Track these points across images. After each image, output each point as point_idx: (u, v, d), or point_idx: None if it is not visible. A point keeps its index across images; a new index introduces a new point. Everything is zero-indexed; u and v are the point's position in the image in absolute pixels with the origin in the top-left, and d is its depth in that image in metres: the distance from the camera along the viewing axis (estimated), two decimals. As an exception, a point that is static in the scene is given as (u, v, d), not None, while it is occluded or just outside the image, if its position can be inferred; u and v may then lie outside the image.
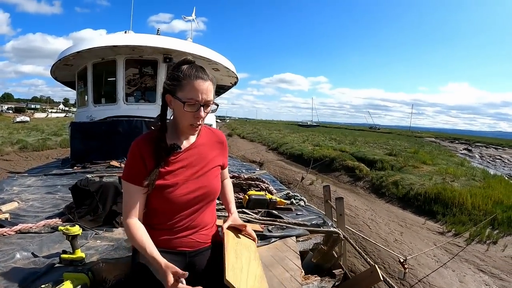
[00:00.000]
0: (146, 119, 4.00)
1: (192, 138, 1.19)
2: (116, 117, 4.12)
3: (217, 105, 1.16)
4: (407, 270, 3.76)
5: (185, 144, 1.17)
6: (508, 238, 5.86)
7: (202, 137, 1.22)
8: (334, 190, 8.49)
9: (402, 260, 3.63)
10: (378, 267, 2.14)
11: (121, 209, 1.49)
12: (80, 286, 1.16)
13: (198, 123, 1.08)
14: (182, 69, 1.05)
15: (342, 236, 2.35)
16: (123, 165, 2.86)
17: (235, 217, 1.31)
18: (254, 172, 4.57)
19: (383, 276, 2.00)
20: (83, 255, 1.38)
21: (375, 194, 9.60)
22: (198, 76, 1.03)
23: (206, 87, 1.04)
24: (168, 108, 1.14)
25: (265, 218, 2.37)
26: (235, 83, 6.25)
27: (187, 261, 1.13)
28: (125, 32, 4.64)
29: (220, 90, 6.90)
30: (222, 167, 1.31)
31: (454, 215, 7.13)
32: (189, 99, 1.03)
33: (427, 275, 4.47)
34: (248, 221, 2.24)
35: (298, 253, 1.94)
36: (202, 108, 1.05)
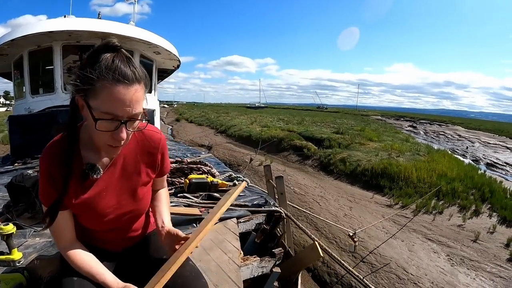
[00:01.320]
0: None
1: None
2: (56, 107, 5.43)
3: (148, 121, 1.28)
4: (357, 243, 5.71)
5: (105, 161, 1.34)
6: (453, 208, 9.02)
7: (129, 145, 1.35)
8: (283, 170, 12.63)
9: (351, 234, 5.52)
10: (329, 242, 3.52)
11: None
12: (15, 285, 1.72)
13: (119, 144, 1.20)
14: (98, 63, 1.07)
15: (284, 214, 3.50)
16: None
17: (168, 230, 1.46)
18: (199, 156, 6.41)
19: (324, 251, 3.11)
20: (20, 254, 1.91)
21: (324, 171, 13.49)
22: (120, 78, 1.07)
23: (131, 96, 1.10)
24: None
25: (205, 201, 3.45)
26: (178, 66, 8.77)
27: (120, 256, 1.57)
28: (64, 17, 6.16)
29: (164, 74, 9.35)
30: (156, 176, 1.56)
31: (400, 188, 10.47)
32: (104, 113, 1.09)
33: (378, 247, 6.70)
34: (188, 205, 3.29)
35: (238, 234, 2.88)
36: (123, 126, 1.14)
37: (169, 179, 3.98)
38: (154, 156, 1.48)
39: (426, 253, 6.59)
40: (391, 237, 7.14)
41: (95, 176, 1.28)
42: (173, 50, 7.27)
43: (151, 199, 1.60)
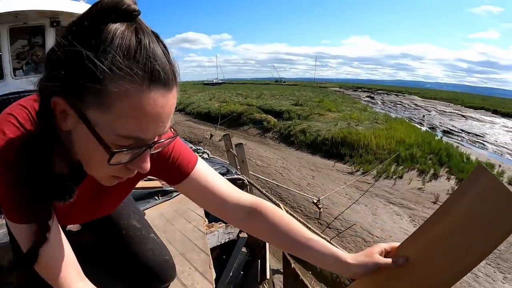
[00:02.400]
0: None
1: None
2: (5, 95, 5.40)
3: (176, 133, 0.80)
4: (321, 210, 5.95)
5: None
6: (412, 172, 9.57)
7: None
8: (244, 144, 12.41)
9: (315, 201, 5.72)
10: (295, 210, 3.67)
11: None
12: None
13: (131, 175, 0.78)
14: (107, 42, 0.59)
15: (246, 181, 3.59)
16: None
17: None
18: None
19: (287, 212, 3.64)
20: None
21: (285, 143, 13.92)
22: (156, 76, 0.61)
23: (170, 107, 0.66)
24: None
25: None
26: None
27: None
28: None
29: None
30: (179, 177, 0.98)
31: (360, 155, 10.98)
32: (124, 138, 0.64)
33: (342, 212, 6.98)
34: (148, 179, 3.09)
35: None
36: (148, 150, 0.72)
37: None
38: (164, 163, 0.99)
39: (389, 216, 6.95)
40: (354, 203, 7.43)
41: (63, 201, 0.78)
42: None
43: (278, 233, 0.98)
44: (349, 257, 0.93)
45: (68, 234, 1.11)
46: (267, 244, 3.18)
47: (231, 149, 5.55)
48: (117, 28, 0.59)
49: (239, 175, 3.64)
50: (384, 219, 6.75)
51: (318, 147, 12.42)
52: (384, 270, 0.90)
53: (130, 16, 0.60)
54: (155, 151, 0.75)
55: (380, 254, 0.92)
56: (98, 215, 1.18)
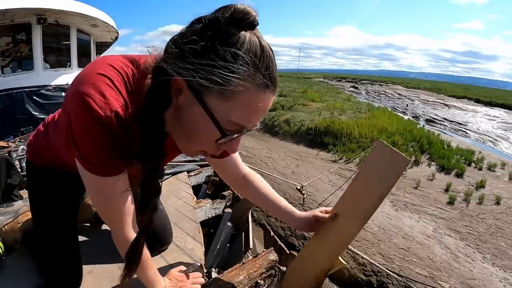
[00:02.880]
0: (27, 89, 5.99)
1: None
2: None
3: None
4: (305, 196, 6.15)
5: None
6: (392, 159, 10.30)
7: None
8: None
9: (299, 187, 5.93)
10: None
11: (17, 180, 2.24)
12: None
13: (216, 154, 0.96)
14: (239, 49, 0.75)
15: None
16: (11, 144, 4.32)
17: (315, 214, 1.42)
18: None
19: None
20: None
21: (269, 133, 14.23)
22: (268, 83, 0.79)
23: (270, 105, 0.86)
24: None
25: None
26: (116, 38, 8.89)
27: None
28: None
29: (102, 47, 9.41)
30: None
31: (344, 144, 11.35)
32: (234, 124, 0.82)
33: (326, 199, 7.18)
34: None
35: (190, 184, 3.34)
36: (241, 136, 0.90)
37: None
38: None
39: (371, 201, 7.18)
40: (337, 189, 7.63)
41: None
42: (111, 21, 7.51)
43: (256, 196, 1.51)
44: (300, 213, 1.43)
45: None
46: (250, 219, 3.47)
47: None
48: (246, 35, 0.75)
49: None
50: (366, 204, 6.98)
51: (302, 137, 12.77)
52: (324, 224, 1.37)
53: (254, 26, 0.77)
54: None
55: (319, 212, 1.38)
56: None
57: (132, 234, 1.08)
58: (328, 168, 9.06)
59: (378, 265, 3.54)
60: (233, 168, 1.45)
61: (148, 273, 1.23)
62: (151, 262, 1.24)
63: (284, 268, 2.45)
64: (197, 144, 0.92)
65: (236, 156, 1.41)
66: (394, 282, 4.59)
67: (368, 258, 3.40)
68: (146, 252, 1.16)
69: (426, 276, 4.67)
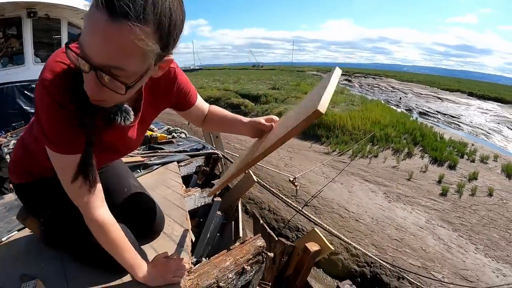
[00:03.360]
0: (18, 84, 5.99)
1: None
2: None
3: (141, 76, 0.90)
4: (298, 187, 6.17)
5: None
6: (387, 151, 9.96)
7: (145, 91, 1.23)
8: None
9: (292, 179, 5.95)
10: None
11: (7, 173, 2.18)
12: None
13: (94, 98, 0.92)
14: None
15: (221, 155, 4.12)
16: (2, 139, 4.14)
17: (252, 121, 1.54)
18: None
19: (264, 187, 3.90)
20: None
21: None
22: (102, 2, 0.74)
23: (110, 36, 0.76)
24: None
25: (145, 152, 3.80)
26: None
27: None
28: None
29: None
30: (185, 106, 1.50)
31: (337, 136, 11.43)
32: (79, 48, 0.83)
33: (320, 191, 7.20)
34: (131, 156, 3.52)
35: (180, 173, 3.35)
36: (94, 74, 0.84)
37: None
38: (170, 91, 1.36)
39: (364, 193, 7.23)
40: (331, 181, 7.69)
41: (123, 122, 1.08)
42: None
43: (214, 123, 1.69)
44: (246, 119, 1.55)
45: None
46: (240, 208, 3.53)
47: None
48: None
49: (214, 149, 4.14)
50: (360, 196, 7.02)
51: None
52: (263, 133, 1.46)
53: None
54: (106, 84, 0.85)
55: (267, 121, 1.44)
56: (125, 152, 1.46)
57: (99, 213, 1.15)
58: (321, 160, 9.08)
59: (372, 255, 3.56)
60: (198, 111, 1.58)
61: (126, 256, 1.26)
62: (129, 246, 1.26)
63: (271, 254, 2.49)
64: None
65: (198, 101, 1.55)
66: (387, 273, 4.62)
67: (362, 249, 3.42)
68: (121, 235, 1.23)
69: (419, 267, 4.71)
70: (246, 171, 3.73)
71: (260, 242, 2.05)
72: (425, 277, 4.42)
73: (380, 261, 3.78)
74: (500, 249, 5.38)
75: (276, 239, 2.77)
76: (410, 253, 5.04)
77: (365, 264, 4.87)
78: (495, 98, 32.19)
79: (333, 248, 2.45)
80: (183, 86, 1.42)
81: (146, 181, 2.80)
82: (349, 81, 45.11)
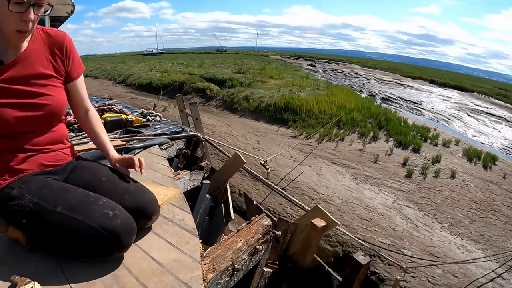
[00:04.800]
0: None
1: (22, 44, 1.48)
2: None
3: (52, 6, 1.46)
4: (269, 170, 6.25)
5: (10, 54, 1.44)
6: (353, 135, 10.26)
7: (36, 41, 1.53)
8: (188, 113, 12.77)
9: (262, 162, 6.00)
10: (243, 174, 3.95)
11: None
12: None
13: (27, 28, 1.37)
14: None
15: (201, 137, 4.22)
16: None
17: (121, 158, 1.79)
18: (105, 103, 6.35)
19: (243, 169, 3.94)
20: None
21: (228, 110, 14.49)
22: None
23: None
24: None
25: (124, 136, 3.79)
26: (72, 12, 8.22)
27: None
28: None
29: (56, 22, 8.72)
30: (69, 78, 1.68)
31: (303, 120, 11.62)
32: None
33: (288, 173, 7.28)
34: (111, 140, 3.55)
35: (164, 156, 3.36)
36: (32, 8, 1.32)
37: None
38: (61, 54, 1.61)
39: (332, 175, 7.41)
40: (299, 164, 7.83)
41: None
42: None
43: (87, 126, 1.82)
44: (114, 157, 1.77)
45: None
46: (228, 190, 3.59)
47: (183, 110, 5.91)
48: None
49: (194, 132, 4.28)
50: (328, 178, 7.19)
51: (262, 113, 13.02)
52: None
53: None
54: (38, 14, 1.37)
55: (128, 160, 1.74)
56: (40, 109, 1.49)
57: None
58: (288, 143, 9.22)
59: (344, 231, 3.68)
60: (80, 100, 1.77)
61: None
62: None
63: (279, 233, 2.53)
64: (6, 24, 1.33)
65: (84, 93, 1.79)
66: (359, 251, 4.79)
67: (336, 224, 3.52)
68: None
69: (389, 245, 4.90)
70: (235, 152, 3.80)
71: (267, 221, 2.11)
72: (397, 252, 4.63)
73: (354, 237, 3.94)
74: (464, 227, 5.69)
75: (276, 219, 2.80)
76: (380, 232, 5.24)
77: (337, 244, 5.03)
78: (456, 86, 33.60)
79: (338, 223, 2.48)
80: (74, 52, 1.68)
81: None
82: (313, 66, 45.58)
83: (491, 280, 4.40)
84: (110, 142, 1.83)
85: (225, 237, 1.98)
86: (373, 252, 4.64)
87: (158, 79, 22.29)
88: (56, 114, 1.58)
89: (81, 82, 1.75)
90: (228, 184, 3.72)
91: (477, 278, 4.40)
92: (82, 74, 1.77)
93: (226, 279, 1.65)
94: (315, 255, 2.69)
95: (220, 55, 70.26)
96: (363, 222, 5.52)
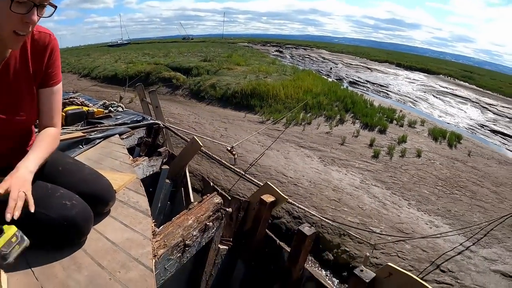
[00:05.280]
0: None
1: (5, 50, 1.34)
2: None
3: (55, 7, 1.29)
4: (236, 156, 6.21)
5: None
6: (320, 118, 10.36)
7: (21, 47, 1.37)
8: (148, 102, 12.98)
9: (229, 148, 5.96)
10: (211, 162, 3.93)
11: None
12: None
13: (27, 31, 1.23)
14: None
15: (162, 125, 4.29)
16: None
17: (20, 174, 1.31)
18: (68, 97, 6.32)
19: (205, 154, 4.08)
20: None
21: (195, 99, 14.42)
22: None
23: None
24: None
25: (85, 127, 3.76)
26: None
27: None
28: None
29: None
30: (43, 84, 1.52)
31: (270, 105, 11.68)
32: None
33: (257, 159, 7.26)
34: (70, 132, 3.53)
35: (124, 145, 3.41)
36: (35, 9, 1.18)
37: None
38: (42, 55, 1.47)
39: (300, 158, 7.45)
40: (267, 149, 7.83)
41: None
42: None
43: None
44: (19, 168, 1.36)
45: None
46: (187, 174, 3.73)
47: (144, 98, 5.92)
48: None
49: (155, 120, 4.36)
50: (296, 161, 7.22)
51: (229, 100, 13.01)
52: None
53: None
54: (40, 16, 1.23)
55: None
56: (11, 114, 1.41)
57: None
58: (256, 129, 9.21)
59: (313, 212, 3.68)
60: (46, 116, 1.57)
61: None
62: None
63: (230, 209, 2.61)
64: (3, 26, 1.17)
65: (53, 107, 1.58)
66: (329, 231, 4.82)
67: (304, 208, 3.53)
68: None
69: (358, 223, 4.96)
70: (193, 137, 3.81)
71: (217, 199, 2.21)
72: (366, 230, 4.69)
73: (322, 217, 3.94)
74: (431, 203, 5.82)
75: (230, 198, 2.83)
76: (349, 212, 5.30)
77: (308, 225, 5.05)
78: (422, 69, 34.57)
79: (287, 198, 2.55)
80: (56, 58, 1.54)
81: (91, 156, 2.89)
82: (281, 52, 45.76)
83: (459, 253, 4.53)
84: (37, 156, 1.45)
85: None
86: (343, 232, 4.68)
87: (123, 70, 21.88)
88: (26, 129, 1.60)
89: (52, 94, 1.56)
90: (187, 169, 3.74)
91: (446, 252, 4.51)
92: (58, 86, 1.59)
93: (178, 255, 1.74)
94: (266, 230, 2.72)
95: (186, 43, 69.97)
96: (332, 202, 5.56)
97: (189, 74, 18.15)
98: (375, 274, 1.76)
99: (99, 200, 1.67)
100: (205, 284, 2.51)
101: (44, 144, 1.48)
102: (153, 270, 1.41)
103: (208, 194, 2.23)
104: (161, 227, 1.78)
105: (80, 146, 3.17)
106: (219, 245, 2.49)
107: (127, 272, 1.37)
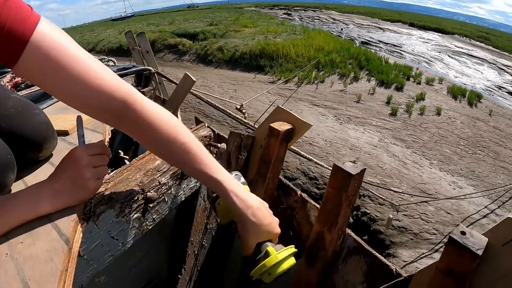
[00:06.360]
0: None
1: None
2: None
3: None
4: (246, 114, 5.88)
5: None
6: (333, 76, 9.95)
7: None
8: (161, 70, 12.65)
9: (238, 106, 5.61)
10: (221, 124, 3.53)
11: None
12: None
13: None
14: None
15: (153, 71, 3.82)
16: None
17: None
18: None
19: (210, 105, 3.64)
20: None
21: (203, 63, 14.17)
22: None
23: None
24: None
25: None
26: None
27: None
28: None
29: None
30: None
31: (280, 65, 11.28)
32: None
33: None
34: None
35: None
36: None
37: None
38: None
39: (314, 117, 7.09)
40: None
41: None
42: None
43: None
44: None
45: None
46: (179, 116, 3.46)
47: (135, 47, 5.40)
48: None
49: (145, 66, 3.87)
50: (310, 120, 6.81)
51: (237, 62, 12.70)
52: None
53: None
54: None
55: None
56: None
57: None
58: (266, 89, 8.86)
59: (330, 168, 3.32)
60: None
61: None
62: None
63: (223, 146, 1.62)
64: None
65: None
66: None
67: (323, 164, 3.15)
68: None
69: (379, 183, 4.62)
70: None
71: (205, 131, 1.40)
72: (387, 190, 4.35)
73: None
74: (453, 163, 5.47)
75: (227, 135, 2.11)
76: (368, 171, 4.95)
77: (325, 187, 4.73)
78: (436, 29, 33.22)
79: (310, 123, 1.32)
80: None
81: (65, 105, 2.43)
82: (289, 14, 44.48)
83: (484, 216, 4.22)
84: None
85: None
86: (362, 192, 4.35)
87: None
88: None
89: None
90: (179, 111, 3.39)
91: (471, 215, 4.19)
92: None
93: (135, 215, 1.05)
94: (280, 177, 1.43)
95: (192, 11, 69.87)
96: (350, 162, 5.24)
97: (195, 39, 17.75)
98: (487, 240, 0.70)
99: (28, 143, 1.24)
100: (194, 260, 1.62)
101: None
102: (78, 239, 0.80)
103: (193, 126, 1.51)
104: (114, 172, 1.12)
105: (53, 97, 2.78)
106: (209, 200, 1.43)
107: (32, 244, 0.74)
